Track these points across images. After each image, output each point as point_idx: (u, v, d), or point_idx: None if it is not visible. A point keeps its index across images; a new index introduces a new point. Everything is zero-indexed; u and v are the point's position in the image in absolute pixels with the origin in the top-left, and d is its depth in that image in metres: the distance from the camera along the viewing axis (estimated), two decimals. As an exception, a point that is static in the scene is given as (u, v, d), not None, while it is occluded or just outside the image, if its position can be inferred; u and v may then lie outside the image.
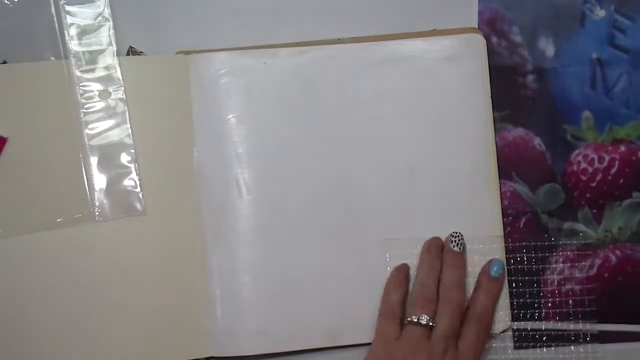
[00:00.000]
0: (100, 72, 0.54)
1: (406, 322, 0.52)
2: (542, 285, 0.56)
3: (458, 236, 0.54)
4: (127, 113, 0.54)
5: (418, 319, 0.51)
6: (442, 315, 0.52)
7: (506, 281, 0.55)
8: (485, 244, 0.55)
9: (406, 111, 0.55)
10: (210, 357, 0.54)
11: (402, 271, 0.55)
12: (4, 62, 0.54)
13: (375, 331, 0.53)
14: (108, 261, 0.52)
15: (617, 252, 0.56)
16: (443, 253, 0.54)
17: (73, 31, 0.54)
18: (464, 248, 0.54)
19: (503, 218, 0.55)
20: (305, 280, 0.54)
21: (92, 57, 0.54)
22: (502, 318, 0.55)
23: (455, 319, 0.52)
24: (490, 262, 0.54)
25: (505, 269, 0.55)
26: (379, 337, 0.53)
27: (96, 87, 0.54)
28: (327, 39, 0.56)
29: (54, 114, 0.53)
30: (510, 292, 0.55)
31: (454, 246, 0.54)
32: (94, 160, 0.53)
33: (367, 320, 0.54)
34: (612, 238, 0.56)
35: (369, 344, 0.54)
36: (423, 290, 0.53)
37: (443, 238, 0.55)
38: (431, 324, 0.51)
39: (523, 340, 0.55)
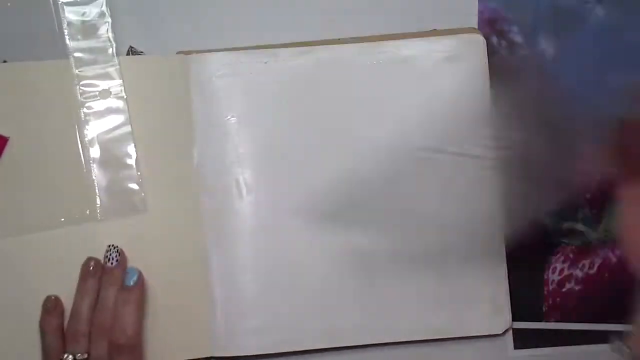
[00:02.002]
0: (100, 71, 0.54)
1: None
2: (542, 285, 0.56)
3: (111, 249, 0.52)
4: (127, 112, 0.54)
5: (66, 357, 0.50)
6: (93, 344, 0.50)
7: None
8: (484, 245, 0.55)
9: (406, 111, 0.55)
10: (210, 357, 0.54)
11: (51, 302, 0.51)
12: (4, 62, 0.54)
13: None
14: (109, 260, 0.52)
15: (617, 252, 0.56)
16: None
17: (72, 30, 0.54)
18: (121, 260, 0.52)
19: (503, 218, 0.55)
20: (306, 280, 0.54)
21: (92, 56, 0.54)
22: (502, 318, 0.55)
23: (104, 347, 0.50)
24: (126, 271, 0.52)
25: (141, 277, 0.52)
26: None
27: (96, 86, 0.54)
28: (327, 39, 0.56)
29: (55, 114, 0.53)
30: (510, 292, 0.55)
31: (107, 261, 0.52)
32: (95, 160, 0.53)
33: (367, 321, 0.54)
34: (612, 238, 0.56)
35: (370, 344, 0.54)
36: (72, 322, 0.51)
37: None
38: (84, 358, 0.50)
39: (523, 340, 0.55)
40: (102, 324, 0.50)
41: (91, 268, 0.51)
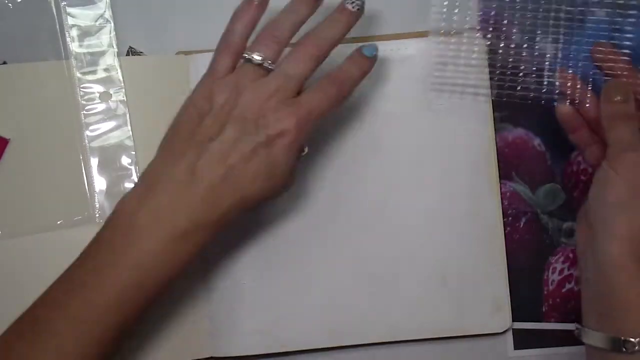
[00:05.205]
0: (101, 74, 0.54)
1: (241, 59, 0.44)
2: (542, 285, 0.56)
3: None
4: (127, 115, 0.54)
5: (252, 55, 0.44)
6: (288, 58, 0.44)
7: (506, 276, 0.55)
8: (485, 245, 0.55)
9: (406, 111, 0.55)
10: (210, 357, 0.54)
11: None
12: (4, 63, 0.54)
13: (208, 65, 0.45)
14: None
15: (617, 252, 0.56)
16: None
17: (74, 32, 0.54)
18: (361, 10, 0.46)
19: (503, 218, 0.55)
20: (306, 280, 0.54)
21: (93, 59, 0.54)
22: (502, 318, 0.55)
23: (302, 64, 0.43)
24: (364, 45, 0.47)
25: (377, 54, 0.47)
26: (206, 72, 0.45)
27: (97, 88, 0.54)
28: (327, 39, 0.56)
29: (55, 116, 0.53)
30: (510, 292, 0.55)
31: (348, 3, 0.45)
32: (94, 162, 0.53)
33: (368, 320, 0.54)
34: (612, 238, 0.56)
35: (371, 344, 0.54)
36: (271, 28, 0.44)
37: (442, 240, 0.55)
38: (268, 64, 0.43)
39: (523, 340, 0.55)
40: (306, 45, 0.44)
41: None
